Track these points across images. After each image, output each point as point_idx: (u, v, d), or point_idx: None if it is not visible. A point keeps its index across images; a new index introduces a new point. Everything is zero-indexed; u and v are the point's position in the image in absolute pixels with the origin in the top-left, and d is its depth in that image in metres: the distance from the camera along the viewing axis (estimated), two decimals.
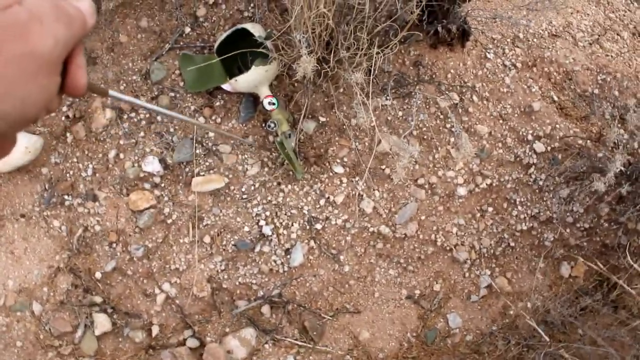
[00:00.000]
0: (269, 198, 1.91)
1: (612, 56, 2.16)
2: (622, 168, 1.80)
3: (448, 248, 1.96)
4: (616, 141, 1.83)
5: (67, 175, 1.93)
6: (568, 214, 1.98)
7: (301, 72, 1.58)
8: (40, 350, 1.89)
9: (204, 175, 1.90)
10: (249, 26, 1.84)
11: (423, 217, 1.95)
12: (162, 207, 1.91)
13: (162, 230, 1.91)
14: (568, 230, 2.00)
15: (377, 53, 1.64)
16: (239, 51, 1.77)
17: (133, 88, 1.95)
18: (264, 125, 1.92)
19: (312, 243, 1.91)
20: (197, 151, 1.91)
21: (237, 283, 1.91)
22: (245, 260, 1.92)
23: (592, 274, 2.01)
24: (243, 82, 1.82)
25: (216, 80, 1.89)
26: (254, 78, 1.80)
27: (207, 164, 1.90)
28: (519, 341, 1.92)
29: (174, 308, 1.93)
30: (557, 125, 2.00)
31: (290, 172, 1.90)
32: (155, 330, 1.92)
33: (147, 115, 1.93)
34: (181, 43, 1.98)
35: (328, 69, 1.70)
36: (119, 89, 1.95)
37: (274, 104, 1.82)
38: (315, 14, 1.63)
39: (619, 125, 1.93)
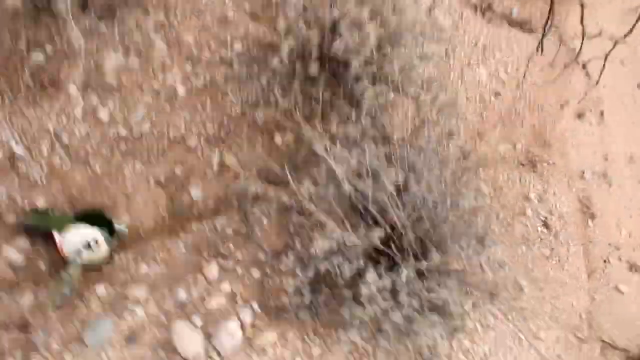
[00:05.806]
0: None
1: None
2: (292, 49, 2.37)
3: (180, 138, 2.44)
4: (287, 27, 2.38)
5: None
6: (270, 94, 2.53)
7: None
8: None
9: None
10: None
11: (154, 117, 2.40)
12: None
13: None
14: (273, 109, 2.56)
15: None
16: None
17: None
18: None
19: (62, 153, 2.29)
20: None
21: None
22: None
23: (299, 139, 2.60)
24: None
25: None
26: None
27: None
28: (248, 202, 2.46)
29: None
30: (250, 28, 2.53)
31: None
32: None
33: None
34: None
35: None
36: None
37: None
38: None
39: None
